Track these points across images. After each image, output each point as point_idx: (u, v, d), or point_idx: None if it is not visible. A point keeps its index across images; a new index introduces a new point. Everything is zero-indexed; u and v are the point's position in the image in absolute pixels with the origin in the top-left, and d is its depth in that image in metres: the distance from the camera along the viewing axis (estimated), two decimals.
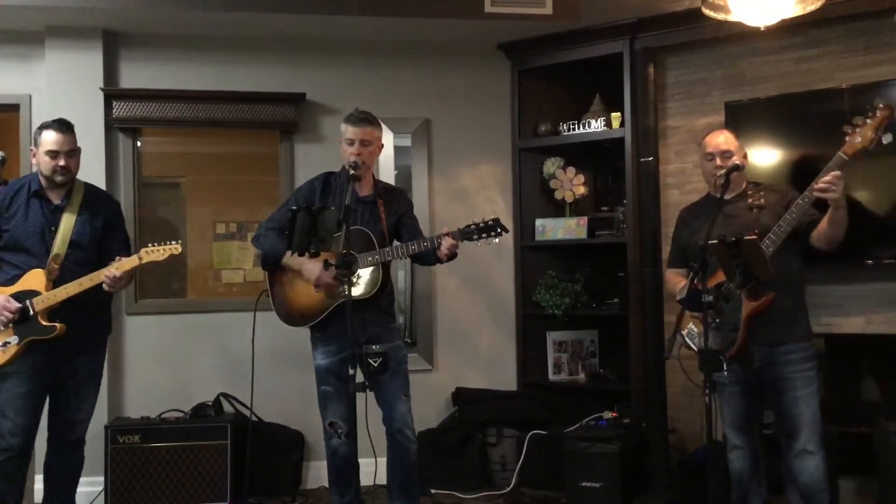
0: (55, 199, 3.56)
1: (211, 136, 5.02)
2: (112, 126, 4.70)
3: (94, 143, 4.60)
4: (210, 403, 4.56)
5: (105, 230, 3.64)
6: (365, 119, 3.58)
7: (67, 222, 3.53)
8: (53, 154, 3.48)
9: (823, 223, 3.25)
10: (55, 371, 3.52)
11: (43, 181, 3.55)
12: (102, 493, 4.35)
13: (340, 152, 3.61)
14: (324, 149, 4.82)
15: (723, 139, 3.50)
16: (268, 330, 4.22)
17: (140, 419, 4.52)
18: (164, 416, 4.54)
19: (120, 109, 4.66)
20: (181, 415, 4.54)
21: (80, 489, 3.78)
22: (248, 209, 5.01)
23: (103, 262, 3.55)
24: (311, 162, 4.78)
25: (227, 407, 4.65)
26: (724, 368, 2.99)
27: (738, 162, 3.35)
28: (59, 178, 3.52)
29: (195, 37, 4.79)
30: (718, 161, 3.45)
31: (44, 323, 3.43)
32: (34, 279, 3.45)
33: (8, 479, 3.44)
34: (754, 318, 3.28)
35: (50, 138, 3.49)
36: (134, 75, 4.76)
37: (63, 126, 3.54)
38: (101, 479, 4.33)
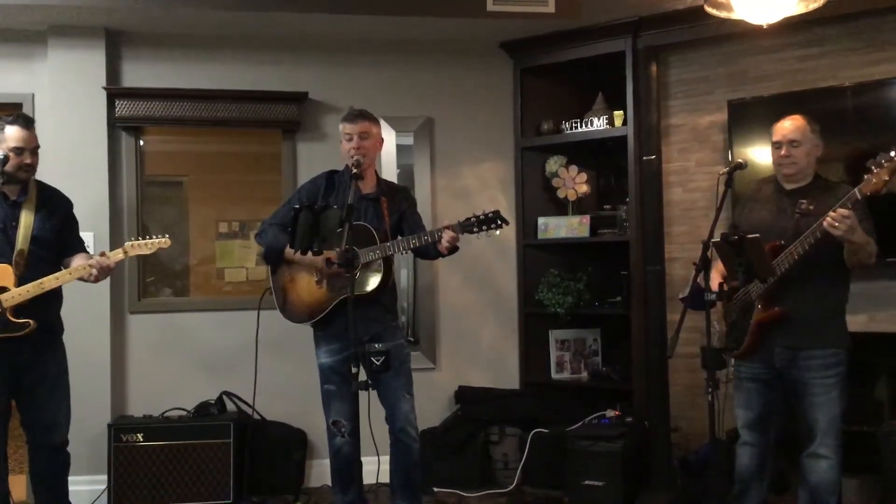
0: (11, 194, 3.48)
1: (213, 135, 5.01)
2: (115, 125, 4.69)
3: (96, 142, 4.61)
4: (213, 402, 4.57)
5: (65, 227, 3.59)
6: (360, 115, 3.60)
7: (27, 218, 3.46)
8: (19, 150, 3.41)
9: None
10: (20, 371, 3.42)
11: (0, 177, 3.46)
12: (105, 492, 4.35)
13: (341, 153, 3.61)
14: (326, 147, 4.81)
15: (790, 125, 3.27)
16: (271, 328, 4.22)
17: (143, 418, 4.52)
18: (166, 414, 4.54)
19: (122, 108, 4.65)
20: (184, 413, 4.54)
21: (82, 488, 3.78)
22: (250, 208, 5.01)
23: (61, 259, 3.52)
24: (313, 161, 4.78)
25: (230, 405, 4.65)
26: (730, 365, 2.99)
27: (741, 160, 3.28)
28: (23, 175, 3.45)
29: (198, 35, 4.79)
30: (784, 151, 3.24)
31: (14, 320, 3.34)
32: (1, 275, 3.37)
33: None
34: (762, 325, 3.27)
35: (16, 134, 3.40)
36: (136, 74, 4.76)
37: (29, 122, 3.48)
38: (104, 477, 4.34)
